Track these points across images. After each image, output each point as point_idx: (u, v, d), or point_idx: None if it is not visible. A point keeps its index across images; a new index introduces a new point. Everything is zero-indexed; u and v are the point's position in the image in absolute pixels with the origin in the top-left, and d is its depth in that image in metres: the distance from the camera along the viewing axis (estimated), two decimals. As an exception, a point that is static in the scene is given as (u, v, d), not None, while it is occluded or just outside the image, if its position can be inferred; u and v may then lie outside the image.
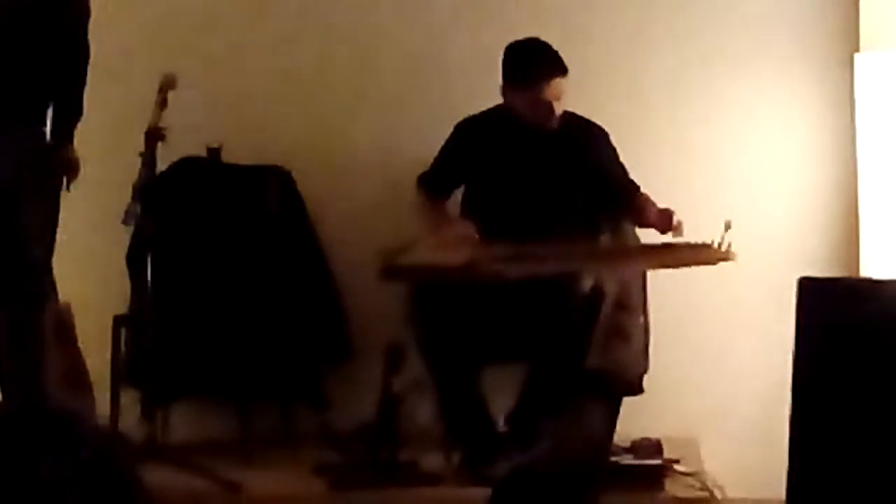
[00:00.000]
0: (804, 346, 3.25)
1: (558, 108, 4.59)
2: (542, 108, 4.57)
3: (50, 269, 4.40)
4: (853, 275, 4.83)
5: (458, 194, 4.85)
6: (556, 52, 4.57)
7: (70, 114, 4.42)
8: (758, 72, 5.07)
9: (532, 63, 4.57)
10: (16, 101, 4.33)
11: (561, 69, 4.56)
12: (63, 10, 4.35)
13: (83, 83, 4.42)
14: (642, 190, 4.73)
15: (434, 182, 4.79)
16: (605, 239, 4.73)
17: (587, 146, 4.70)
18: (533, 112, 4.59)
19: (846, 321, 3.22)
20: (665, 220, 4.48)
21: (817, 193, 5.08)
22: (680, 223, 4.45)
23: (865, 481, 3.14)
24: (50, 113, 4.39)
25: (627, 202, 4.69)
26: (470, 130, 4.75)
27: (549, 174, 4.69)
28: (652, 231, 4.66)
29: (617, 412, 4.49)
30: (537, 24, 4.96)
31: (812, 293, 3.27)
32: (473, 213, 4.69)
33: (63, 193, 4.45)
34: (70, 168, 4.40)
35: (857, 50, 4.91)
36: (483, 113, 4.76)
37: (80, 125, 4.50)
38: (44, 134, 4.38)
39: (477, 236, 4.50)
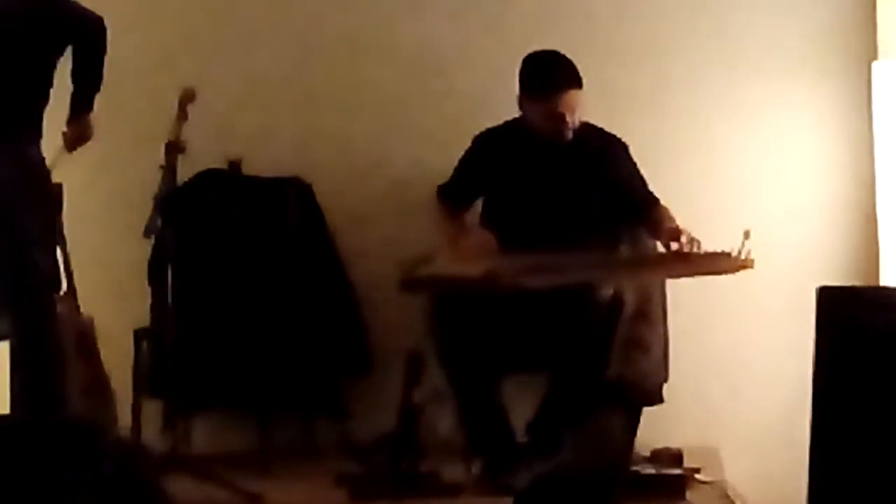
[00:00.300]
0: (824, 354, 3.26)
1: (573, 121, 4.59)
2: (556, 120, 4.57)
3: (58, 277, 4.42)
4: (872, 283, 4.83)
5: (478, 205, 4.85)
6: (571, 65, 4.57)
7: (91, 84, 4.46)
8: (775, 80, 5.07)
9: (547, 75, 4.58)
10: (14, 115, 4.37)
11: (576, 82, 4.56)
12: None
13: (103, 53, 4.46)
14: (662, 202, 4.72)
15: (453, 193, 4.81)
16: (623, 249, 4.72)
17: (605, 158, 4.70)
18: (547, 124, 4.59)
19: (865, 330, 3.22)
20: (672, 237, 4.47)
21: (836, 201, 5.08)
22: (691, 242, 4.43)
23: (887, 489, 3.13)
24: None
25: (645, 214, 4.69)
26: (488, 142, 4.76)
27: (567, 186, 4.69)
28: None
29: (637, 422, 4.49)
30: (552, 31, 4.99)
31: (831, 302, 3.27)
32: (492, 224, 4.69)
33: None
34: (84, 136, 4.45)
35: (875, 58, 4.91)
36: (502, 125, 4.77)
37: (101, 139, 4.54)
38: (40, 147, 4.41)
39: (496, 246, 4.51)
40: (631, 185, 4.72)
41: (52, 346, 4.39)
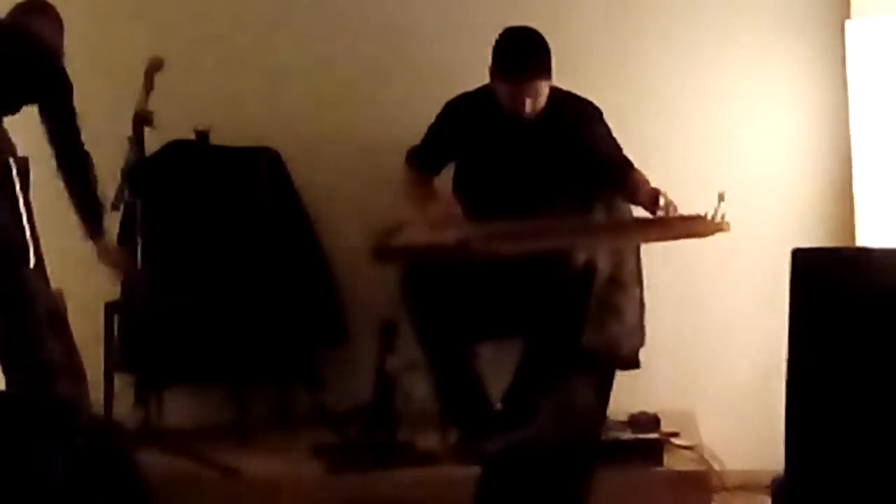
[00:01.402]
0: (799, 317, 3.23)
1: (536, 106, 4.53)
2: (518, 103, 4.52)
3: (27, 251, 4.38)
4: (849, 245, 4.81)
5: (450, 171, 4.82)
6: (542, 49, 4.50)
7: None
8: (749, 41, 5.05)
9: (515, 59, 4.52)
10: None
11: (543, 70, 4.50)
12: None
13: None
14: (637, 167, 4.68)
15: (423, 158, 4.76)
16: (598, 215, 4.69)
17: (578, 125, 4.65)
18: (509, 104, 4.55)
19: (840, 292, 3.20)
20: (651, 200, 4.44)
21: (811, 163, 5.06)
22: (669, 204, 4.40)
23: (862, 451, 3.12)
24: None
25: (620, 179, 4.65)
26: (461, 109, 4.72)
27: (540, 154, 4.65)
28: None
29: (609, 387, 4.48)
30: (526, 3, 4.94)
31: (806, 264, 3.24)
32: (464, 191, 4.66)
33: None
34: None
35: (849, 17, 4.88)
36: (476, 91, 4.72)
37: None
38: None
39: (461, 213, 4.47)
40: (605, 152, 4.68)
41: (31, 320, 4.37)
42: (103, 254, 4.54)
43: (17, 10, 4.55)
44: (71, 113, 4.42)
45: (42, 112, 4.40)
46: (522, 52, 4.53)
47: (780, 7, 5.04)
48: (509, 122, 4.61)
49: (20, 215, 4.38)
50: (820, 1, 5.00)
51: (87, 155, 4.45)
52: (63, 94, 4.40)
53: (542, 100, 4.54)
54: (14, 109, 4.44)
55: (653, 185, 4.55)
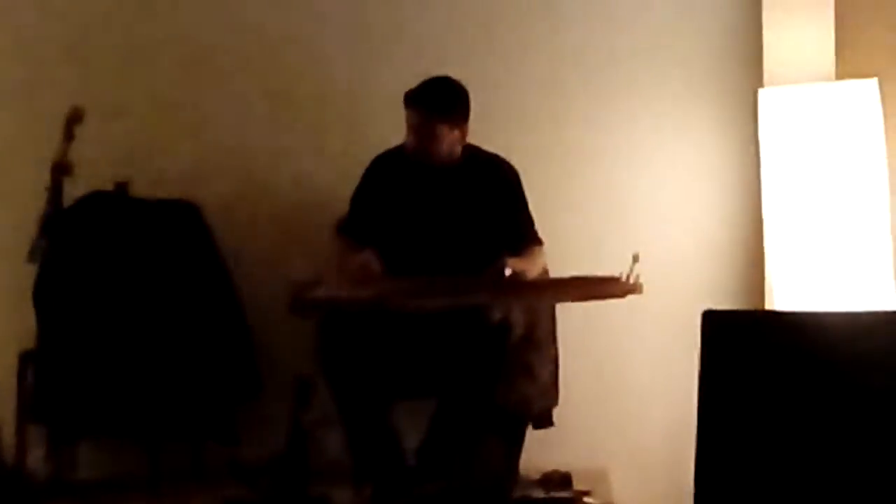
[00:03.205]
0: (708, 377, 3.28)
1: (440, 151, 4.57)
2: (417, 142, 4.57)
3: None
4: (759, 307, 4.89)
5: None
6: (448, 96, 4.55)
7: None
8: (663, 107, 5.12)
9: (418, 99, 4.55)
10: None
11: (442, 114, 4.54)
12: None
13: None
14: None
15: (352, 229, 4.71)
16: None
17: (491, 181, 4.68)
18: (412, 149, 4.59)
19: (750, 353, 3.26)
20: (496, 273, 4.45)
21: (723, 226, 5.13)
22: (512, 271, 4.41)
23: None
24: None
25: (519, 249, 4.59)
26: (378, 167, 4.74)
27: (450, 209, 4.66)
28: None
29: (521, 445, 4.50)
30: (452, 61, 4.98)
31: (716, 325, 3.30)
32: (382, 245, 4.64)
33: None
34: None
35: (761, 85, 4.97)
36: (394, 148, 4.74)
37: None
38: None
39: (378, 266, 4.48)
40: (513, 214, 4.68)
41: None
42: None
43: None
44: None
45: None
46: (425, 95, 4.56)
47: (694, 75, 5.13)
48: (425, 174, 4.63)
49: None
50: (733, 70, 5.09)
51: None
52: None
53: (445, 144, 4.57)
54: None
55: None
